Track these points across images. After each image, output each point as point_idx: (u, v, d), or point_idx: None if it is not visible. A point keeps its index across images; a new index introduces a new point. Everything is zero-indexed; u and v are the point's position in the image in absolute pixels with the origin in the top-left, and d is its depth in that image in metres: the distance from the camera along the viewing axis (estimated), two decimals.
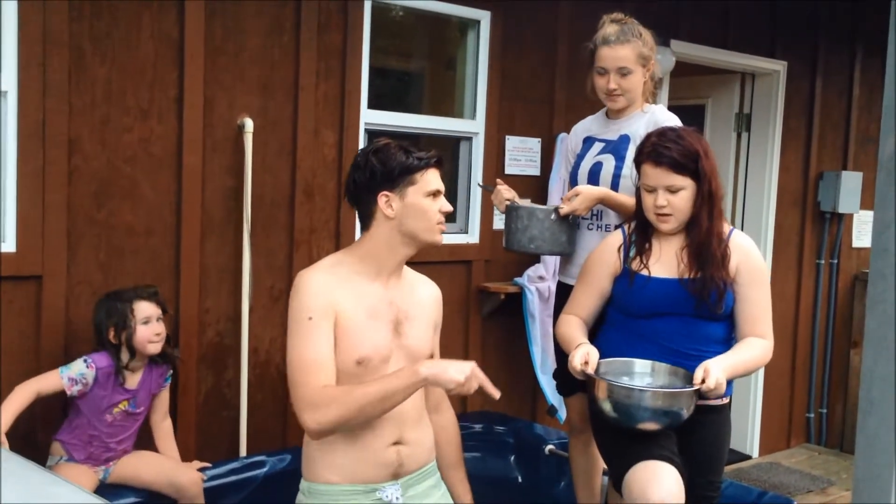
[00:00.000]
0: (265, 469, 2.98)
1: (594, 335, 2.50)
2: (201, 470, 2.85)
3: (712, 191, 2.36)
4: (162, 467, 2.73)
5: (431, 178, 2.13)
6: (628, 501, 2.23)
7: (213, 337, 3.14)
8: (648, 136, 2.41)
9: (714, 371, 2.21)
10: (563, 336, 2.51)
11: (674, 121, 2.69)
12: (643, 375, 2.35)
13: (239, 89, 3.11)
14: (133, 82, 2.89)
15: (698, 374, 2.22)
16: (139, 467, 2.71)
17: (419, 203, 2.11)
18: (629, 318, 2.42)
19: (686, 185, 2.33)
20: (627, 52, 2.66)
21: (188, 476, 2.71)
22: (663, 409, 2.21)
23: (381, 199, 2.10)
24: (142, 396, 2.71)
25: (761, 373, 5.20)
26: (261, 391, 3.26)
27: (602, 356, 2.36)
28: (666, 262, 2.39)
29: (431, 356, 2.24)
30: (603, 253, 2.51)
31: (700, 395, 2.23)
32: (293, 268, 3.28)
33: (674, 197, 2.33)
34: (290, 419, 3.33)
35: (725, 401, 2.48)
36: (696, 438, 2.38)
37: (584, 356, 2.30)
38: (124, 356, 2.64)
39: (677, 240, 2.41)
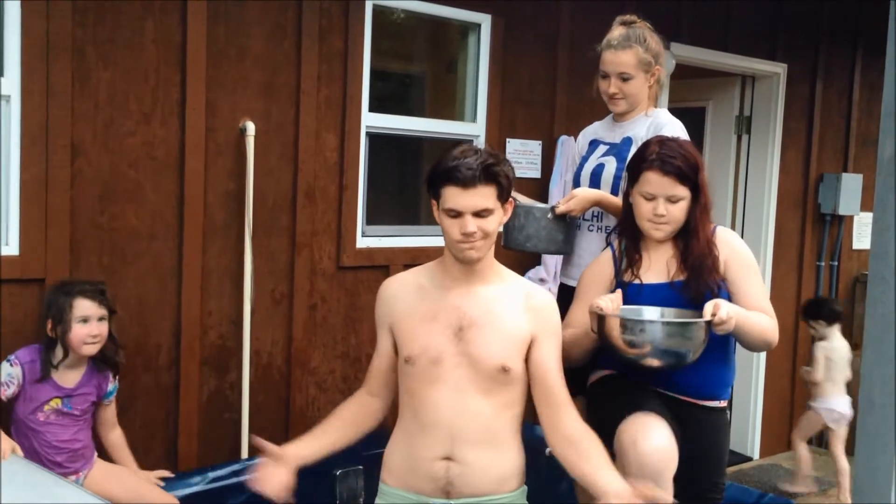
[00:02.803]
0: None
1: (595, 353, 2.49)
2: (164, 479, 2.78)
3: (707, 202, 2.39)
4: (135, 487, 2.64)
5: (449, 196, 2.02)
6: (619, 454, 2.23)
7: (216, 339, 3.15)
8: (648, 145, 2.41)
9: (724, 305, 2.23)
10: (571, 335, 2.42)
11: (676, 124, 2.71)
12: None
13: (241, 93, 3.12)
14: (136, 86, 2.90)
15: (708, 308, 2.23)
16: (110, 484, 2.61)
17: (441, 219, 2.08)
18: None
19: (685, 195, 2.35)
20: (629, 58, 2.67)
21: (163, 499, 2.65)
22: (675, 346, 2.22)
23: (433, 205, 2.10)
24: (79, 398, 2.58)
25: (762, 374, 5.21)
26: (262, 393, 3.26)
27: (604, 366, 2.41)
28: (656, 269, 2.42)
29: (506, 369, 2.06)
30: (594, 268, 2.53)
31: (710, 328, 2.22)
32: (295, 270, 3.29)
33: (673, 206, 2.34)
34: (291, 421, 3.34)
35: (723, 403, 2.49)
36: (696, 439, 2.38)
37: (608, 298, 2.30)
38: (58, 352, 2.52)
39: (666, 248, 2.43)
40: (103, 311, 2.58)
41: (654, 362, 2.24)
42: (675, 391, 2.42)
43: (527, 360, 2.12)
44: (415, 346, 2.11)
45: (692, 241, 2.37)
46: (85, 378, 2.60)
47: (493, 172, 2.02)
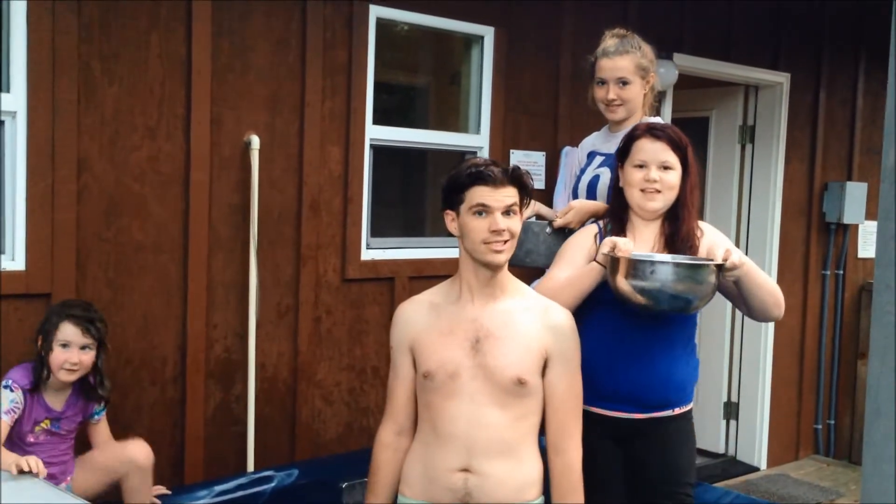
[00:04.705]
0: (273, 484, 2.98)
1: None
2: (160, 496, 2.75)
3: (697, 185, 2.41)
4: (105, 453, 2.60)
5: (476, 194, 2.04)
6: None
7: (221, 352, 3.15)
8: (639, 123, 2.47)
9: (736, 250, 2.24)
10: (568, 278, 2.37)
11: None
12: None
13: (246, 107, 3.13)
14: (141, 101, 2.91)
15: (720, 252, 2.24)
16: (88, 472, 2.58)
17: (465, 221, 2.08)
18: (608, 302, 2.39)
19: (677, 167, 2.36)
20: (626, 63, 2.70)
21: (135, 447, 2.58)
22: (684, 290, 2.19)
23: (447, 218, 2.12)
24: (66, 420, 2.56)
25: (768, 383, 5.19)
26: (268, 406, 3.26)
27: (589, 349, 2.35)
28: (640, 247, 2.39)
29: (521, 382, 2.07)
30: (579, 237, 2.50)
31: (721, 272, 2.21)
32: (300, 283, 3.29)
33: (665, 174, 2.35)
34: (297, 434, 3.34)
35: (682, 410, 2.44)
36: (655, 449, 2.39)
37: (623, 240, 2.28)
38: (43, 371, 2.48)
39: (652, 229, 2.41)
40: (88, 341, 2.51)
41: (662, 307, 2.21)
42: (635, 407, 2.38)
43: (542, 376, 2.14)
44: (432, 361, 2.11)
45: (680, 214, 2.38)
46: (71, 400, 2.58)
47: (519, 175, 2.09)
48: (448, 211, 2.12)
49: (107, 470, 2.59)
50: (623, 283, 2.20)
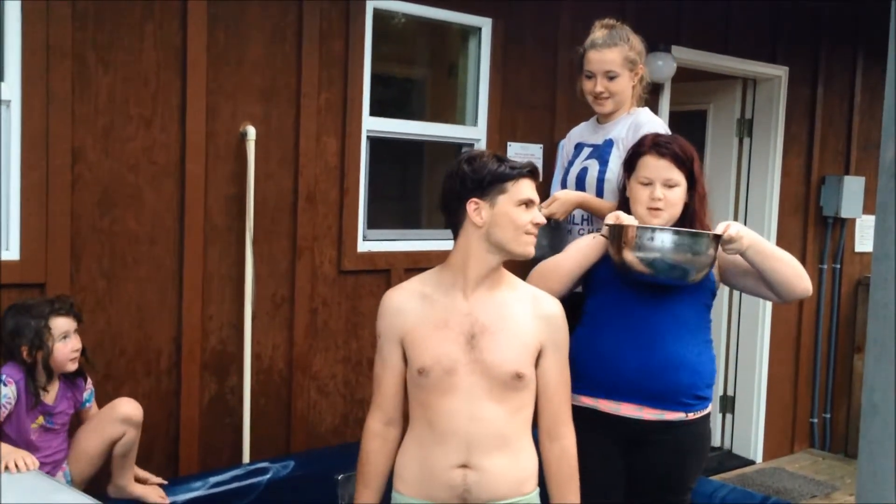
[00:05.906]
0: (268, 475, 2.98)
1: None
2: (160, 486, 2.75)
3: (705, 195, 2.43)
4: (99, 420, 2.58)
5: (524, 188, 2.09)
6: None
7: (216, 344, 3.14)
8: (644, 137, 2.47)
9: (736, 224, 2.30)
10: (570, 250, 2.45)
11: (657, 122, 2.75)
12: None
13: (241, 97, 3.12)
14: (136, 91, 2.90)
15: (720, 225, 2.30)
16: (83, 446, 2.56)
17: (509, 212, 2.08)
18: (609, 282, 2.42)
19: (681, 182, 2.38)
20: (614, 56, 2.70)
21: (126, 404, 2.58)
22: (681, 259, 2.24)
23: (471, 206, 2.09)
24: (59, 415, 2.54)
25: (765, 377, 5.20)
26: (264, 397, 3.26)
27: (585, 341, 2.38)
28: None
29: (519, 376, 2.07)
30: (588, 239, 2.51)
31: (719, 243, 2.25)
32: (296, 275, 3.29)
33: (669, 192, 2.37)
34: (293, 425, 3.33)
35: (696, 415, 2.40)
36: (665, 460, 2.37)
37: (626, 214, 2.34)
38: (40, 376, 2.46)
39: None
40: (76, 323, 2.55)
41: (660, 276, 2.26)
42: (642, 400, 2.35)
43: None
44: (427, 356, 2.09)
45: (690, 227, 2.38)
46: (61, 393, 2.57)
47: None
48: (475, 199, 2.09)
49: (103, 435, 2.56)
50: (625, 252, 2.25)
